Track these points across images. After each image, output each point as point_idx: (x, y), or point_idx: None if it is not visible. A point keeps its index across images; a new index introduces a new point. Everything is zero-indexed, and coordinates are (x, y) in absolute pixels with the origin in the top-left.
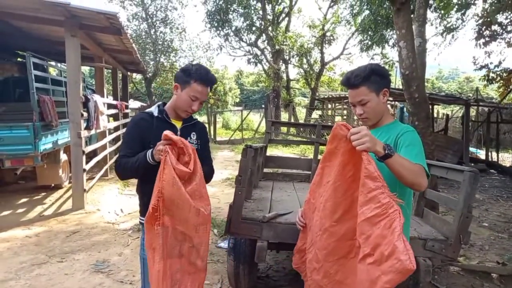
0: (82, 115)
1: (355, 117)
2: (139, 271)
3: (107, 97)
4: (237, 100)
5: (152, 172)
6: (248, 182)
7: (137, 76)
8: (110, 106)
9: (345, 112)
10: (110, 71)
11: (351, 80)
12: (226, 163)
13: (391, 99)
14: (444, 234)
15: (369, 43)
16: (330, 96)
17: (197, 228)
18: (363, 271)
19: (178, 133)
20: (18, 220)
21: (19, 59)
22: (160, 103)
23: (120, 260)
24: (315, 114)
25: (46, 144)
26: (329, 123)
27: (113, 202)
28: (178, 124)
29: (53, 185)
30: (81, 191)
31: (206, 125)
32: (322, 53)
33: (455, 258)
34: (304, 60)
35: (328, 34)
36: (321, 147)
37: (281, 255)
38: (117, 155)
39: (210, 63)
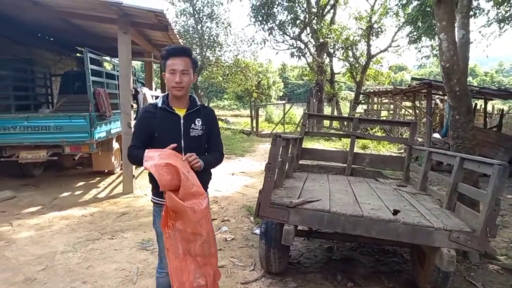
0: (132, 106)
1: (402, 112)
2: None
3: (155, 90)
4: (281, 93)
5: None
6: (280, 170)
7: None
8: (157, 98)
9: (391, 106)
10: (159, 65)
11: None
12: (266, 156)
13: (440, 93)
14: (472, 227)
15: (417, 34)
16: (376, 90)
17: (199, 222)
18: None
19: (182, 121)
20: (76, 201)
21: (78, 54)
22: (165, 94)
23: None
24: (361, 108)
25: (100, 133)
26: (375, 117)
27: None
28: (182, 112)
29: (106, 171)
30: (131, 177)
31: (248, 118)
32: (368, 45)
33: (481, 250)
34: (350, 53)
35: (375, 26)
36: (361, 141)
37: (314, 243)
38: None
39: (254, 57)
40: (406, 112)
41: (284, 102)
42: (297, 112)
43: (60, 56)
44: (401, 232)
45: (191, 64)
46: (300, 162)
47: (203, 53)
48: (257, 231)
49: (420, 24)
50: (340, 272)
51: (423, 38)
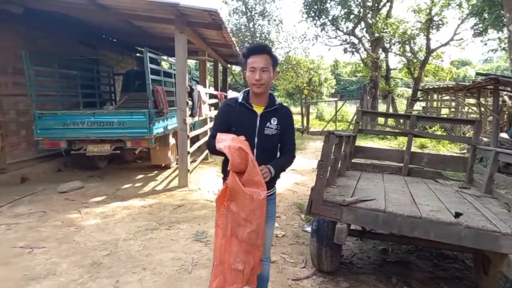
0: (187, 103)
1: (465, 109)
2: None
3: (209, 88)
4: (333, 91)
5: None
6: (332, 168)
7: (236, 68)
8: (211, 96)
9: (453, 103)
10: (212, 63)
11: None
12: (317, 153)
13: (508, 89)
14: None
15: (483, 26)
16: (436, 86)
17: (254, 211)
18: None
19: (258, 118)
20: (136, 192)
21: (137, 54)
22: (246, 90)
23: None
24: (418, 105)
25: (158, 128)
26: (434, 115)
27: (212, 183)
28: (260, 110)
29: (163, 165)
30: (186, 171)
31: (299, 116)
32: (428, 39)
33: None
34: (407, 48)
35: (435, 18)
36: (419, 140)
37: (367, 244)
38: None
39: (305, 54)
40: (470, 110)
41: (336, 99)
42: (350, 109)
43: (122, 56)
44: (464, 236)
45: (271, 61)
46: (353, 160)
47: None
48: (308, 228)
49: (486, 15)
50: (395, 275)
51: (490, 30)
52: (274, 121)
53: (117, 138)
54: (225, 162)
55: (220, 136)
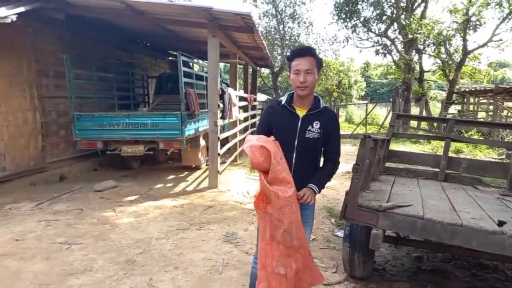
0: (218, 106)
1: (504, 113)
2: None
3: (238, 91)
4: (363, 93)
5: None
6: (366, 172)
7: (265, 71)
8: (241, 98)
9: (491, 107)
10: (242, 66)
11: None
12: (347, 157)
13: None
14: None
15: None
16: (473, 89)
17: (282, 209)
18: None
19: (299, 121)
20: (167, 192)
21: (170, 58)
22: (291, 92)
23: (246, 234)
24: (453, 109)
25: (190, 130)
26: (470, 118)
27: (241, 185)
28: (302, 113)
29: (193, 166)
30: (216, 173)
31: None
32: (464, 40)
33: None
34: (442, 49)
35: (473, 18)
36: (454, 144)
37: (400, 251)
38: None
39: (335, 56)
40: (509, 114)
41: (366, 102)
42: (380, 112)
43: (155, 59)
44: (508, 246)
45: (315, 63)
46: (386, 164)
47: (284, 54)
48: (339, 233)
49: None
50: (430, 283)
51: None
52: (316, 125)
53: (150, 139)
54: None
55: (248, 137)
